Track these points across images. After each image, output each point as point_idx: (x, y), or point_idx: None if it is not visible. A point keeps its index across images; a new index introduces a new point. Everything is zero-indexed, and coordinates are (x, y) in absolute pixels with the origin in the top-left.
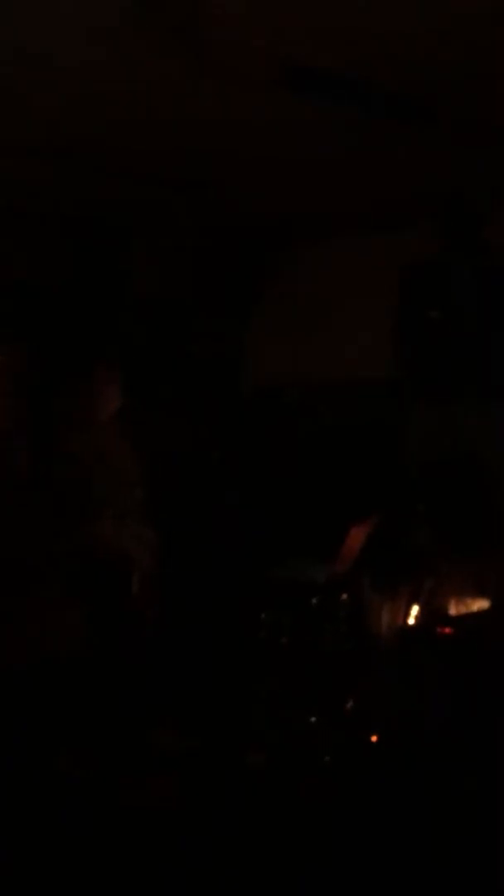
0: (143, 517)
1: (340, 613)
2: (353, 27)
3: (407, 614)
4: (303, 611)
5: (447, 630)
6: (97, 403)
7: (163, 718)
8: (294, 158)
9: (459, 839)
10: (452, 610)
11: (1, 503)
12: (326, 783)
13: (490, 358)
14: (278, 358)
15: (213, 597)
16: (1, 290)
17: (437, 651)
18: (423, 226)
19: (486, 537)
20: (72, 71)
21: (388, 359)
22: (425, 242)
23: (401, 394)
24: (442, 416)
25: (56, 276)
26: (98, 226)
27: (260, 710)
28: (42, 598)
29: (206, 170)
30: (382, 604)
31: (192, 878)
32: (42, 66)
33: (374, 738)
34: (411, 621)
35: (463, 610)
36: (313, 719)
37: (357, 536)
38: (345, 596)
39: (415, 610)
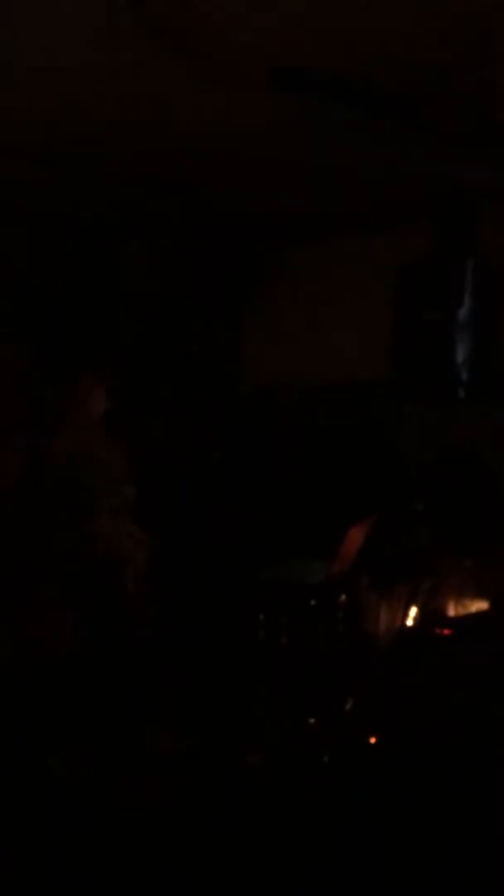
0: (136, 516)
1: (339, 614)
2: (346, 27)
3: (405, 615)
4: (301, 611)
5: (445, 631)
6: (86, 404)
7: (161, 719)
8: (290, 159)
9: (457, 840)
10: (451, 611)
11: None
12: (325, 784)
13: (487, 358)
14: (276, 358)
15: (211, 597)
16: (1, 290)
17: (435, 652)
18: (419, 226)
19: (484, 537)
20: (65, 73)
21: (385, 359)
22: (422, 243)
23: (398, 394)
24: (439, 416)
25: (53, 277)
26: (94, 227)
27: (258, 710)
28: (40, 598)
29: (203, 170)
30: (380, 605)
31: (191, 878)
32: (36, 68)
33: (372, 740)
34: (409, 622)
35: (461, 611)
36: (311, 720)
37: (355, 537)
38: (343, 597)
39: (413, 611)
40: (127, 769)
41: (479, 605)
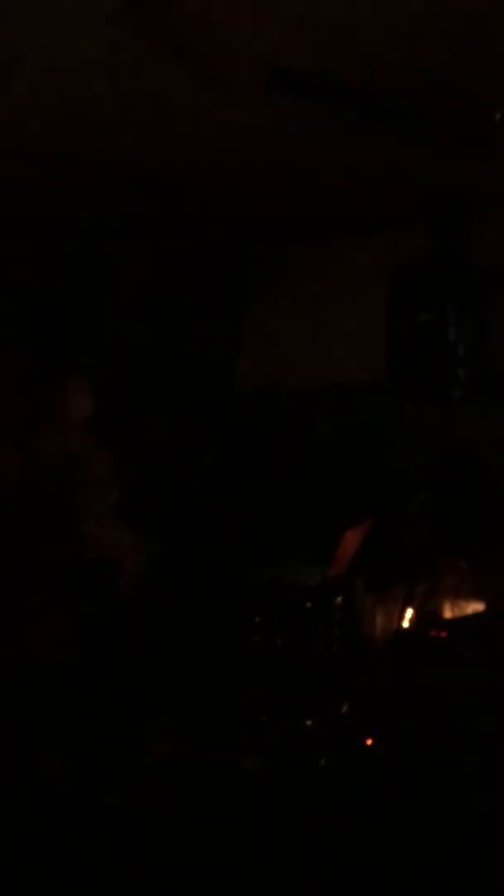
0: (124, 519)
1: (335, 616)
2: (345, 29)
3: (401, 617)
4: (297, 614)
5: (441, 633)
6: (71, 405)
7: (159, 721)
8: (289, 160)
9: (455, 840)
10: (447, 613)
11: None
12: (321, 786)
13: (482, 359)
14: (274, 359)
15: (207, 600)
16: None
17: (430, 654)
18: (418, 227)
19: (483, 539)
20: (64, 73)
21: (380, 361)
22: (420, 244)
23: (394, 396)
24: (436, 417)
25: (51, 278)
26: (93, 227)
27: (255, 712)
28: (32, 603)
29: (202, 171)
30: (376, 607)
31: (189, 880)
32: (34, 68)
33: (368, 742)
34: (405, 624)
35: (457, 613)
36: (308, 722)
37: (351, 539)
38: (339, 599)
39: (409, 613)
40: (125, 771)
41: (476, 607)
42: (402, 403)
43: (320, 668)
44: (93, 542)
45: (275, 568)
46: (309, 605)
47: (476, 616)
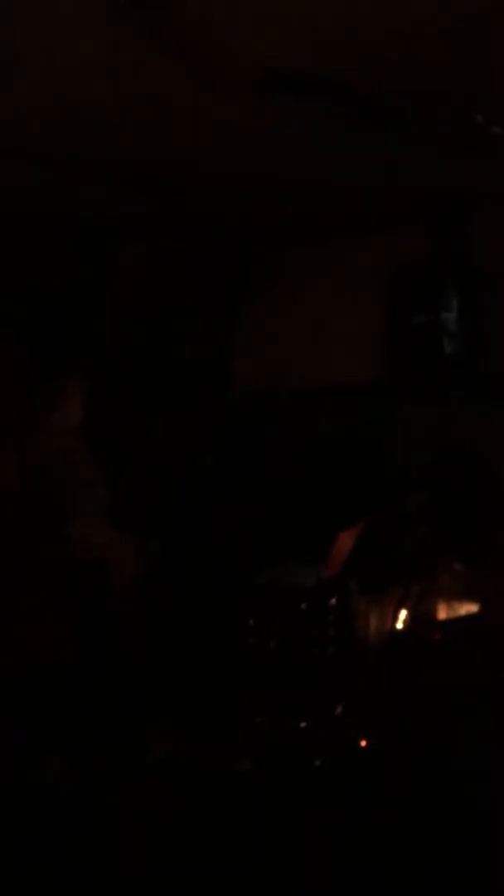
0: (121, 520)
1: (329, 618)
2: (344, 30)
3: (395, 619)
4: (291, 616)
5: (436, 635)
6: (64, 406)
7: (157, 723)
8: (285, 161)
9: (452, 842)
10: (441, 614)
11: None
12: (316, 788)
13: (481, 359)
14: (270, 360)
15: (201, 602)
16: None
17: (425, 655)
18: (415, 229)
19: (482, 539)
20: (62, 73)
21: (377, 362)
22: (419, 245)
23: (389, 398)
24: (433, 418)
25: (48, 278)
26: (90, 228)
27: (251, 714)
28: (30, 604)
29: (199, 172)
30: (371, 608)
31: (188, 880)
32: (33, 68)
33: (363, 743)
34: (399, 626)
35: (451, 614)
36: (303, 724)
37: (346, 541)
38: (333, 601)
39: (403, 614)
40: (124, 771)
41: (470, 609)
42: (400, 404)
43: (315, 670)
44: (89, 543)
45: (270, 569)
46: (304, 606)
47: (472, 616)
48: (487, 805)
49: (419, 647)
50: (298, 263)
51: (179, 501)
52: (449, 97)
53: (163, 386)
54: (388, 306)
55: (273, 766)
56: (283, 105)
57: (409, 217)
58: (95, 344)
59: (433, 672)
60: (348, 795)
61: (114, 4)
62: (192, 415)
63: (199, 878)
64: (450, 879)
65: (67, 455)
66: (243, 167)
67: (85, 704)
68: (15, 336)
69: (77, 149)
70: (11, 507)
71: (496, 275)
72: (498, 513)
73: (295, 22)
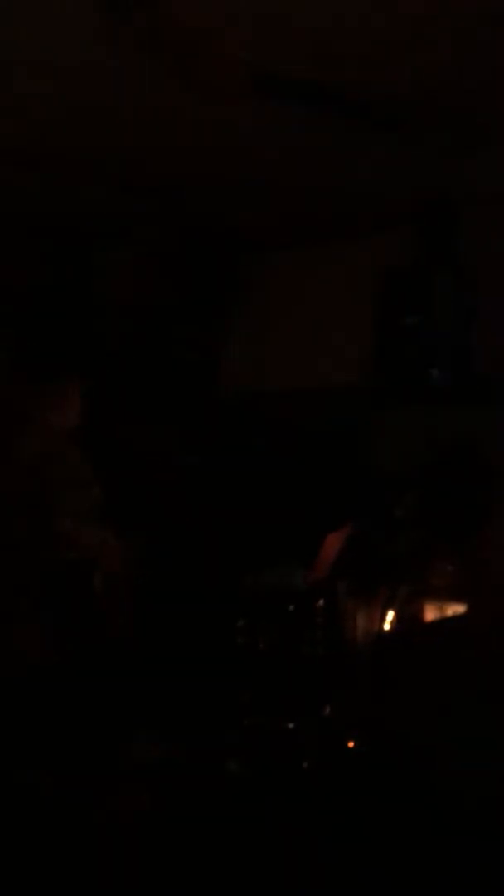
0: (106, 520)
1: (317, 619)
2: (326, 31)
3: (383, 620)
4: (279, 617)
5: (424, 635)
6: (62, 408)
7: (143, 726)
8: (273, 165)
9: (438, 842)
10: (429, 616)
11: None
12: (304, 788)
13: (467, 360)
14: (258, 362)
15: (189, 604)
16: None
17: (413, 657)
18: (403, 231)
19: (468, 541)
20: (52, 77)
21: (364, 365)
22: (407, 247)
23: (377, 399)
24: (420, 419)
25: (35, 281)
26: (77, 230)
27: (237, 716)
28: (13, 605)
29: (188, 176)
30: (358, 610)
31: (175, 886)
32: (23, 72)
33: (350, 744)
34: (387, 626)
35: (439, 615)
36: (291, 725)
37: (334, 542)
38: (321, 602)
39: (390, 616)
40: (108, 777)
41: (458, 610)
42: (388, 405)
43: (303, 671)
44: (80, 542)
45: (258, 570)
46: (292, 607)
47: (460, 618)
48: (473, 806)
49: (407, 649)
50: (286, 266)
51: (169, 502)
52: (436, 99)
53: (150, 387)
54: (376, 307)
55: (261, 767)
56: (273, 108)
57: (396, 218)
58: (90, 345)
59: (421, 673)
60: (336, 796)
61: (101, 8)
62: (180, 416)
63: (187, 881)
64: (440, 880)
65: (63, 455)
66: (233, 170)
67: (69, 707)
68: (9, 336)
69: (69, 151)
70: (3, 505)
71: (483, 276)
72: (486, 513)
73: (283, 26)
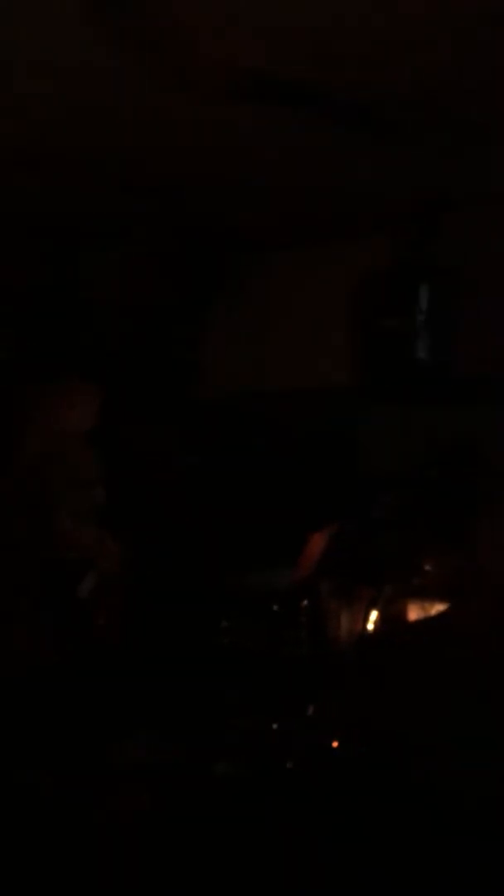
0: (106, 521)
1: (301, 619)
2: (311, 34)
3: (366, 620)
4: (264, 617)
5: (407, 635)
6: (74, 411)
7: (130, 729)
8: (269, 164)
9: (421, 843)
10: (413, 615)
11: None
12: (290, 788)
13: (449, 361)
14: (242, 364)
15: (173, 604)
16: None
17: (397, 656)
18: (382, 232)
19: (452, 541)
20: (41, 76)
21: (349, 365)
22: (385, 249)
23: (361, 401)
24: (403, 420)
25: (25, 281)
26: (67, 230)
27: (224, 716)
28: (8, 606)
29: (174, 176)
30: (342, 610)
31: (167, 886)
32: (2, 71)
33: (334, 744)
34: (370, 626)
35: (422, 614)
36: (275, 725)
37: (318, 542)
38: (305, 602)
39: (374, 615)
40: (107, 778)
41: (441, 610)
42: (372, 406)
43: (287, 671)
44: (62, 540)
45: (242, 571)
46: (276, 608)
47: (444, 617)
48: (457, 805)
49: (391, 648)
50: (274, 267)
51: (165, 503)
52: (420, 100)
53: (142, 388)
54: (359, 308)
55: (247, 768)
56: (271, 108)
57: (378, 221)
58: (76, 346)
59: (405, 673)
60: (322, 797)
61: (85, 7)
62: (170, 417)
63: (180, 881)
64: (420, 878)
65: (66, 455)
66: (231, 170)
67: (68, 707)
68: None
69: (68, 151)
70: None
71: (466, 276)
72: (473, 512)
73: (281, 27)
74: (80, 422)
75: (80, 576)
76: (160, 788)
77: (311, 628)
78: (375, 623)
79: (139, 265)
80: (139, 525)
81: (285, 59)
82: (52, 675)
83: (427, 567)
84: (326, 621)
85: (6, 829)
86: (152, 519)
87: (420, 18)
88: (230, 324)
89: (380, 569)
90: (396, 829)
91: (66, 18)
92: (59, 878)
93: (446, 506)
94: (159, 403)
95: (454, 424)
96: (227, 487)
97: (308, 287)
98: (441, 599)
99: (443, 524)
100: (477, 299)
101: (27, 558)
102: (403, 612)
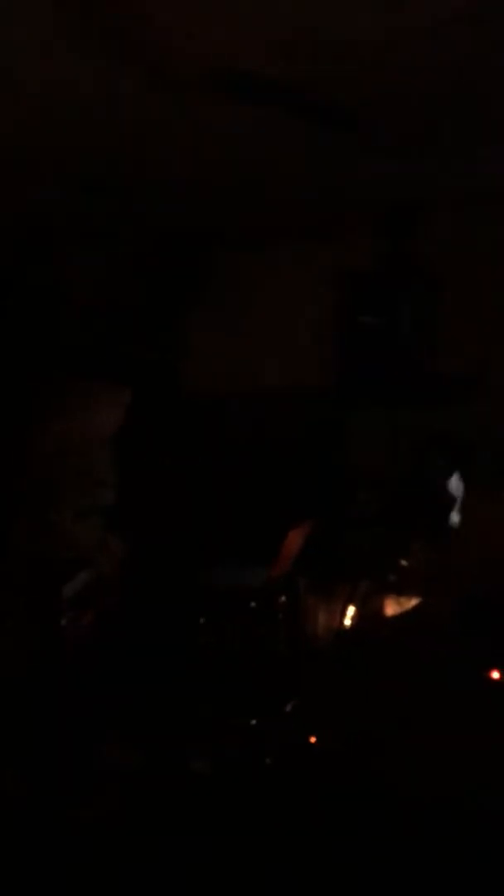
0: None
1: (278, 616)
2: (294, 33)
3: (343, 616)
4: (241, 614)
5: (383, 630)
6: (97, 417)
7: (106, 729)
8: (236, 165)
9: (400, 839)
10: (388, 610)
11: None
12: (268, 784)
13: (429, 360)
14: (220, 364)
15: (152, 602)
16: None
17: (373, 651)
18: (362, 232)
19: (426, 539)
20: (15, 76)
21: (328, 365)
22: (365, 249)
23: (341, 400)
24: (382, 419)
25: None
26: (34, 232)
27: (202, 714)
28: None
29: (147, 175)
30: (319, 606)
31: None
32: None
33: (312, 740)
34: (347, 622)
35: (398, 610)
36: (253, 721)
37: (295, 540)
38: (283, 598)
39: (350, 611)
40: (77, 782)
41: (417, 604)
42: (351, 406)
43: (265, 667)
44: (62, 537)
45: (220, 568)
46: (253, 604)
47: (418, 612)
48: (434, 801)
49: (367, 644)
50: (250, 267)
51: (128, 502)
52: (400, 102)
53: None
54: (339, 309)
55: (224, 765)
56: (236, 108)
57: (357, 221)
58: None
59: (380, 668)
60: (298, 792)
61: (61, 10)
62: (144, 417)
63: (158, 883)
64: (402, 875)
65: (77, 456)
66: (196, 171)
67: (38, 711)
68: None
69: (29, 150)
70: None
71: (445, 277)
72: (445, 510)
73: (249, 26)
74: (104, 426)
75: (71, 575)
76: (134, 789)
77: (288, 624)
78: (352, 619)
79: (110, 267)
80: (138, 525)
81: (265, 60)
82: (32, 674)
83: (403, 563)
84: (304, 617)
85: None
86: (144, 518)
87: (393, 18)
88: (212, 323)
89: (357, 565)
90: (373, 823)
91: (37, 20)
92: (34, 878)
93: (423, 503)
94: (140, 403)
95: (432, 423)
96: (205, 485)
97: (289, 287)
98: (417, 595)
99: (419, 521)
100: (456, 299)
101: (22, 556)
102: (380, 608)
